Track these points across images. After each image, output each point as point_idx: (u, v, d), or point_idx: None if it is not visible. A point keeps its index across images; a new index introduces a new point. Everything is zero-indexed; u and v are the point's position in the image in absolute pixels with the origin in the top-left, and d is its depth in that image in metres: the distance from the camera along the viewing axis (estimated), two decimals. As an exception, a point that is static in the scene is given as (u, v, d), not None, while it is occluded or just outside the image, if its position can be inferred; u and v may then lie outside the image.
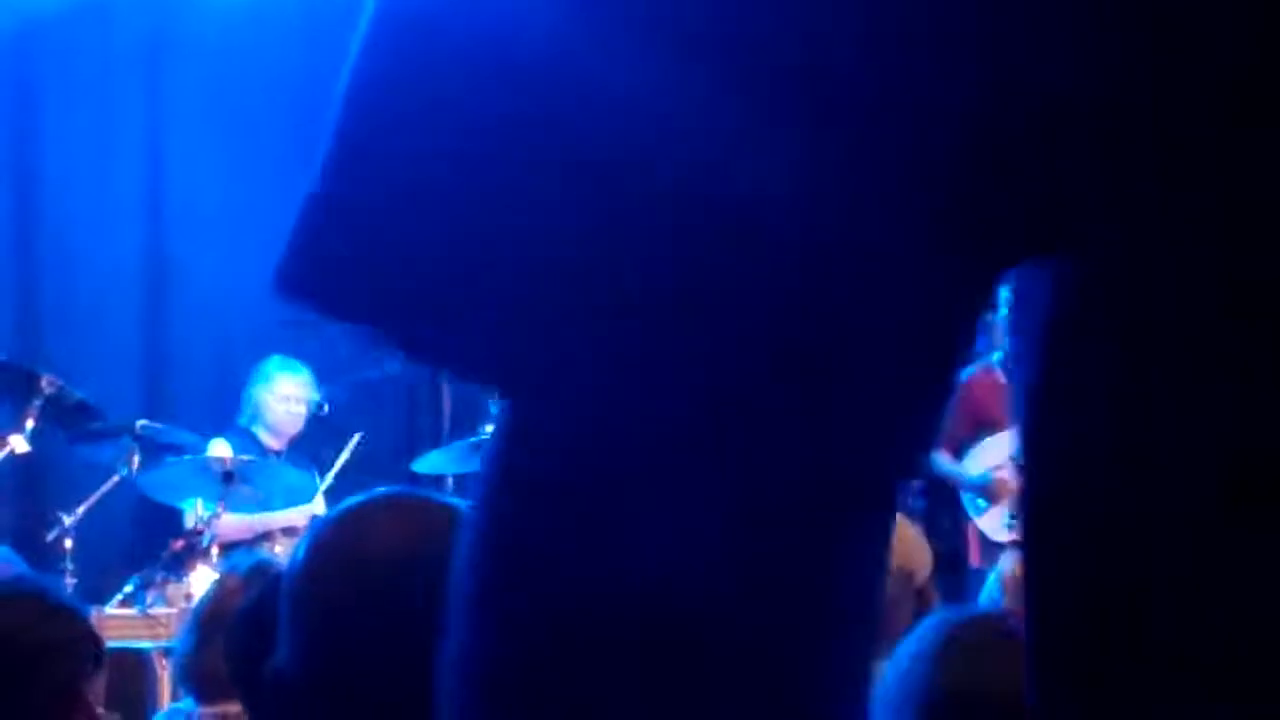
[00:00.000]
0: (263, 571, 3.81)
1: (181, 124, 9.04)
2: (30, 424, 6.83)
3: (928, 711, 2.09)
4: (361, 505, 2.16)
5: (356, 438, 8.07)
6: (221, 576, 4.00)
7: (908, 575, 3.42)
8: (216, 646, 3.75)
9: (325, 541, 2.10)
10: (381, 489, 2.16)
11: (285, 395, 8.20)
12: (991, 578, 5.83)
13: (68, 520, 6.89)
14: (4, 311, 8.61)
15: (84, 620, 2.50)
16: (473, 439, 7.42)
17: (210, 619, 3.83)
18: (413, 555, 2.03)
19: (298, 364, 8.25)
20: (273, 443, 8.20)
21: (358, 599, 2.03)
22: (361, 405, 8.69)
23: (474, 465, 7.46)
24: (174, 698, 4.63)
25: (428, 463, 7.64)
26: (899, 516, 3.54)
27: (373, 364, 8.50)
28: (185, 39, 9.05)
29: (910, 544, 3.47)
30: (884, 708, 2.11)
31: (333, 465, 8.07)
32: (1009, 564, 5.96)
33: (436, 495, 2.20)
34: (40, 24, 8.73)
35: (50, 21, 8.74)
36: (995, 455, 8.33)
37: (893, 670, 2.15)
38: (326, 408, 8.19)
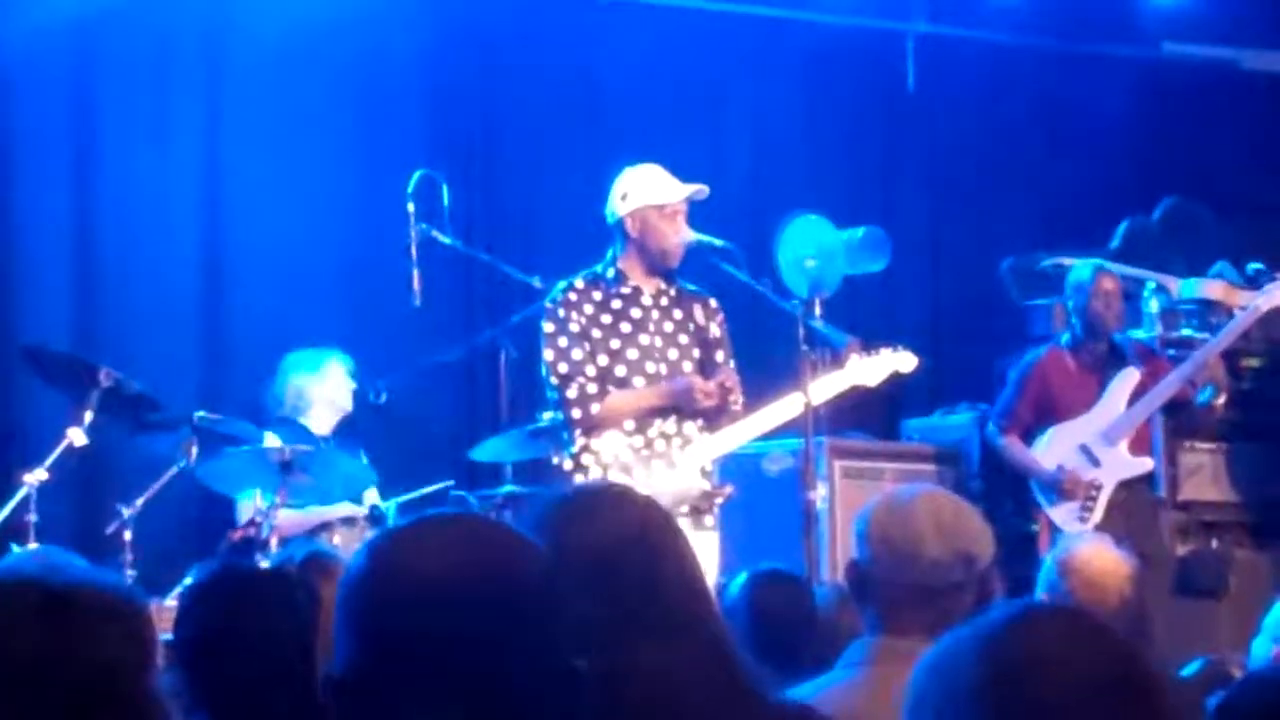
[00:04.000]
0: (320, 564, 3.81)
1: (239, 119, 9.07)
2: (89, 416, 6.85)
3: (974, 696, 2.07)
4: (419, 525, 2.18)
5: (448, 484, 8.04)
6: (277, 567, 3.99)
7: (969, 560, 3.38)
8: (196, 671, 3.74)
9: (385, 555, 2.12)
10: (439, 510, 2.19)
11: (339, 375, 8.23)
12: (1048, 563, 5.77)
13: (126, 512, 6.90)
14: (63, 305, 8.65)
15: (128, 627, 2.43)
16: (530, 426, 7.40)
17: (184, 647, 3.82)
18: (465, 579, 2.06)
19: (329, 347, 8.28)
20: (322, 429, 8.21)
21: (411, 617, 2.05)
22: (421, 393, 8.70)
23: (531, 452, 7.45)
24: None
25: (486, 450, 7.63)
26: (958, 499, 3.50)
27: (431, 353, 8.51)
28: (243, 34, 9.08)
29: (972, 528, 3.42)
30: (936, 690, 2.09)
31: (393, 454, 8.09)
32: (1065, 551, 5.89)
33: (490, 519, 2.23)
34: (100, 19, 8.77)
35: (110, 16, 8.78)
36: (1064, 446, 8.26)
37: (946, 654, 2.12)
38: (384, 396, 8.19)
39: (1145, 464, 8.27)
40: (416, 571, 2.09)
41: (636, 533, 2.76)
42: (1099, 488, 8.14)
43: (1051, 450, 8.29)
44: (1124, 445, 8.24)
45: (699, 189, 6.96)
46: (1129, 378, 8.29)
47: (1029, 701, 2.04)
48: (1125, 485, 8.20)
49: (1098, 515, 8.08)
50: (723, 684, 2.68)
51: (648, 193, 6.93)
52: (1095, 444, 8.21)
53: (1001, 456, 8.46)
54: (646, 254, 6.99)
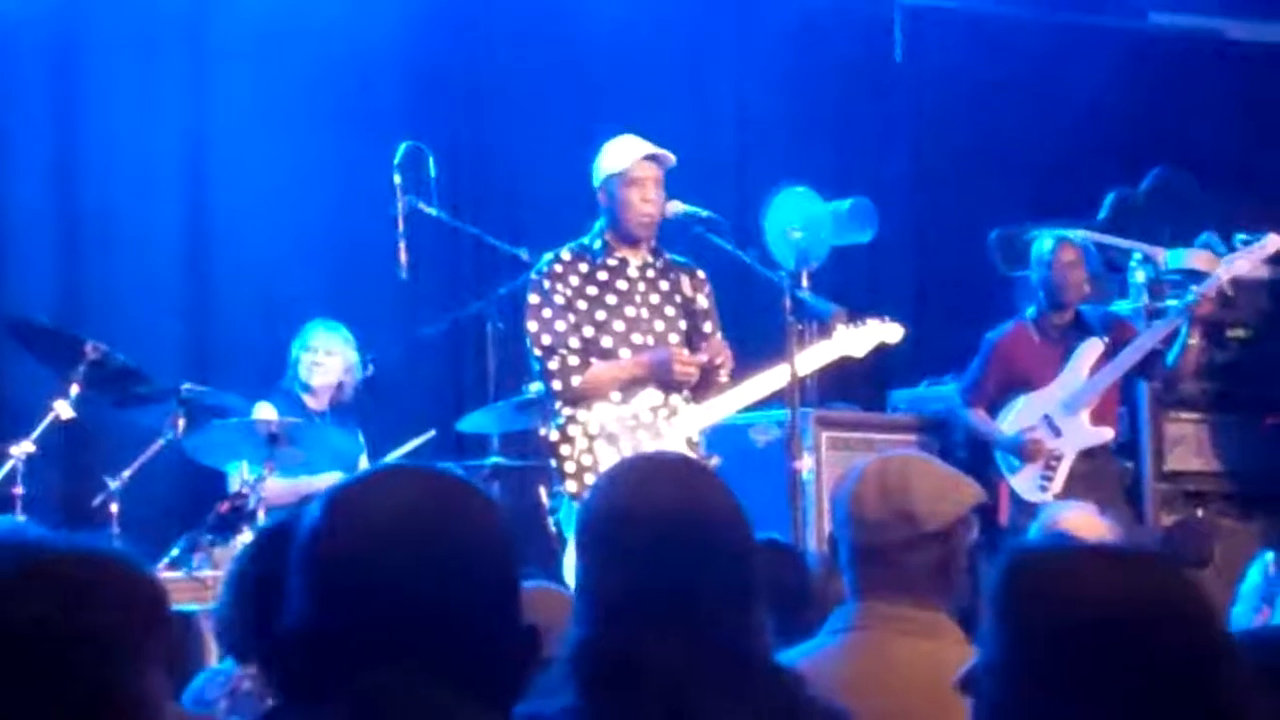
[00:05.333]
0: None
1: (225, 89, 9.06)
2: (75, 390, 6.85)
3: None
4: (374, 475, 2.18)
5: (427, 435, 8.06)
6: (257, 537, 3.99)
7: (910, 518, 3.42)
8: (254, 607, 3.76)
9: (340, 508, 2.11)
10: (396, 459, 2.20)
11: (312, 349, 8.23)
12: (1033, 530, 5.81)
13: (113, 484, 6.90)
14: (49, 279, 8.64)
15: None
16: (517, 398, 7.41)
17: (249, 580, 3.84)
18: (418, 532, 2.07)
19: (332, 322, 8.28)
20: (316, 403, 8.23)
21: (366, 565, 2.06)
22: (407, 365, 8.71)
23: (518, 424, 7.45)
24: (221, 660, 4.63)
25: (472, 422, 7.63)
26: (927, 464, 3.51)
27: (418, 325, 8.52)
28: (230, 3, 9.05)
29: (921, 488, 3.45)
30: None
31: (380, 426, 8.09)
32: (1052, 518, 5.93)
33: (450, 468, 2.22)
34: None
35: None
36: (1028, 415, 8.31)
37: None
38: (371, 368, 8.20)
39: (1105, 434, 8.28)
40: (369, 525, 2.08)
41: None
42: (1059, 457, 8.18)
43: (1015, 420, 8.33)
44: (1085, 415, 8.26)
45: (656, 153, 6.95)
46: (1092, 348, 8.32)
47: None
48: (1089, 455, 8.23)
49: (1058, 485, 8.11)
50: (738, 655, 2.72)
51: (610, 162, 6.96)
52: (1057, 413, 8.25)
53: (966, 428, 8.51)
54: (618, 224, 6.99)
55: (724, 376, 6.97)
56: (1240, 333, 9.22)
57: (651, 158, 6.95)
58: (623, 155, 6.95)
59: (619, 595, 2.69)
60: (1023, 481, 8.21)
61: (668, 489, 2.77)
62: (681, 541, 2.70)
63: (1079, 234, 8.75)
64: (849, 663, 3.32)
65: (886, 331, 7.21)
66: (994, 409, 8.42)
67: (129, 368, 7.06)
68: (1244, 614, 5.56)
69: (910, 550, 3.38)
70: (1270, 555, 5.68)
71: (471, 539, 2.11)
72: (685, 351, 6.89)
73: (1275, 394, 9.03)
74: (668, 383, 6.87)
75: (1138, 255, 9.28)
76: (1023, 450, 8.19)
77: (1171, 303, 8.93)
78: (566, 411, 6.86)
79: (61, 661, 2.02)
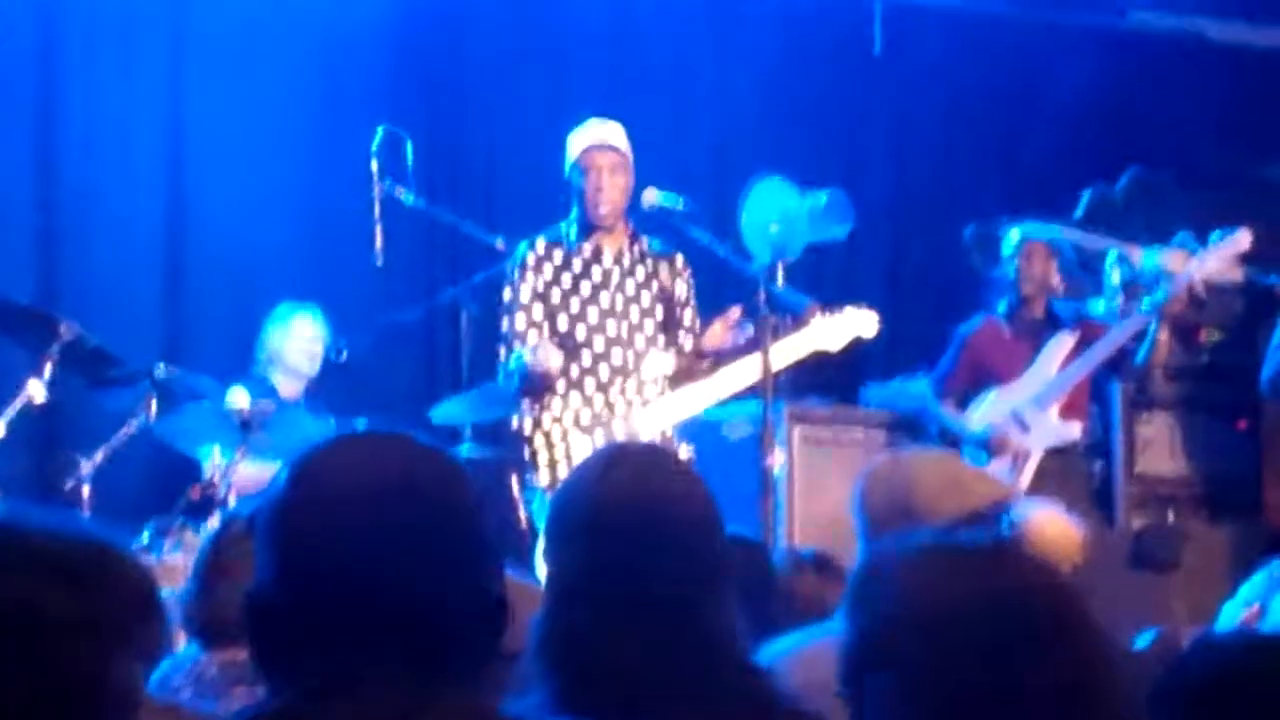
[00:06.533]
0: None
1: (203, 73, 9.05)
2: (48, 370, 6.82)
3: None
4: (340, 442, 2.17)
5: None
6: (224, 522, 3.98)
7: (907, 513, 3.45)
8: (220, 592, 3.75)
9: (307, 475, 2.10)
10: (359, 428, 2.19)
11: (300, 336, 8.21)
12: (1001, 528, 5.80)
13: (85, 467, 6.88)
14: (24, 257, 8.62)
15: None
16: (490, 387, 7.40)
17: (214, 565, 3.84)
18: (384, 501, 2.05)
19: (309, 305, 8.26)
20: (289, 389, 8.21)
21: (331, 535, 2.05)
22: (381, 352, 8.69)
23: (490, 414, 7.44)
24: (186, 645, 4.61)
25: (444, 411, 7.62)
26: (921, 463, 3.53)
27: (393, 312, 8.50)
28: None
29: (922, 484, 3.48)
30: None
31: (352, 413, 8.07)
32: (1020, 516, 5.93)
33: (423, 438, 2.20)
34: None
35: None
36: (997, 410, 8.32)
37: None
38: (345, 354, 8.19)
39: (1074, 430, 8.30)
40: (334, 494, 2.07)
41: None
42: (1026, 453, 8.20)
43: (984, 414, 8.35)
44: (1054, 411, 8.28)
45: (600, 142, 6.97)
46: (1062, 343, 8.35)
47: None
48: (1057, 452, 8.24)
49: (1024, 481, 8.13)
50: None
51: (569, 151, 7.01)
52: (1026, 409, 8.26)
53: (935, 421, 8.53)
54: (582, 212, 7.03)
55: (705, 366, 7.01)
56: (1213, 335, 9.25)
57: (601, 145, 6.96)
58: (575, 144, 7.00)
59: (584, 584, 2.71)
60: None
61: (638, 480, 2.78)
62: (650, 532, 2.71)
63: (1055, 231, 8.76)
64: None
65: (862, 321, 7.20)
66: (965, 402, 8.44)
67: (102, 349, 7.03)
68: (1234, 609, 5.57)
69: None
70: (1277, 561, 5.68)
71: (440, 505, 2.09)
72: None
73: (1247, 397, 9.05)
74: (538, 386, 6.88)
75: (1114, 254, 9.30)
76: (989, 445, 8.21)
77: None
78: (539, 403, 6.87)
79: (52, 648, 2.01)
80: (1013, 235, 8.47)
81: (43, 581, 2.04)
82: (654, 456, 2.94)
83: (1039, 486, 7.94)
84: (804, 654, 3.47)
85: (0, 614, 2.02)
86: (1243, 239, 8.32)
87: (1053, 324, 8.42)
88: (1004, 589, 2.22)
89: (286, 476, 2.12)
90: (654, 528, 2.72)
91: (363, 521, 2.05)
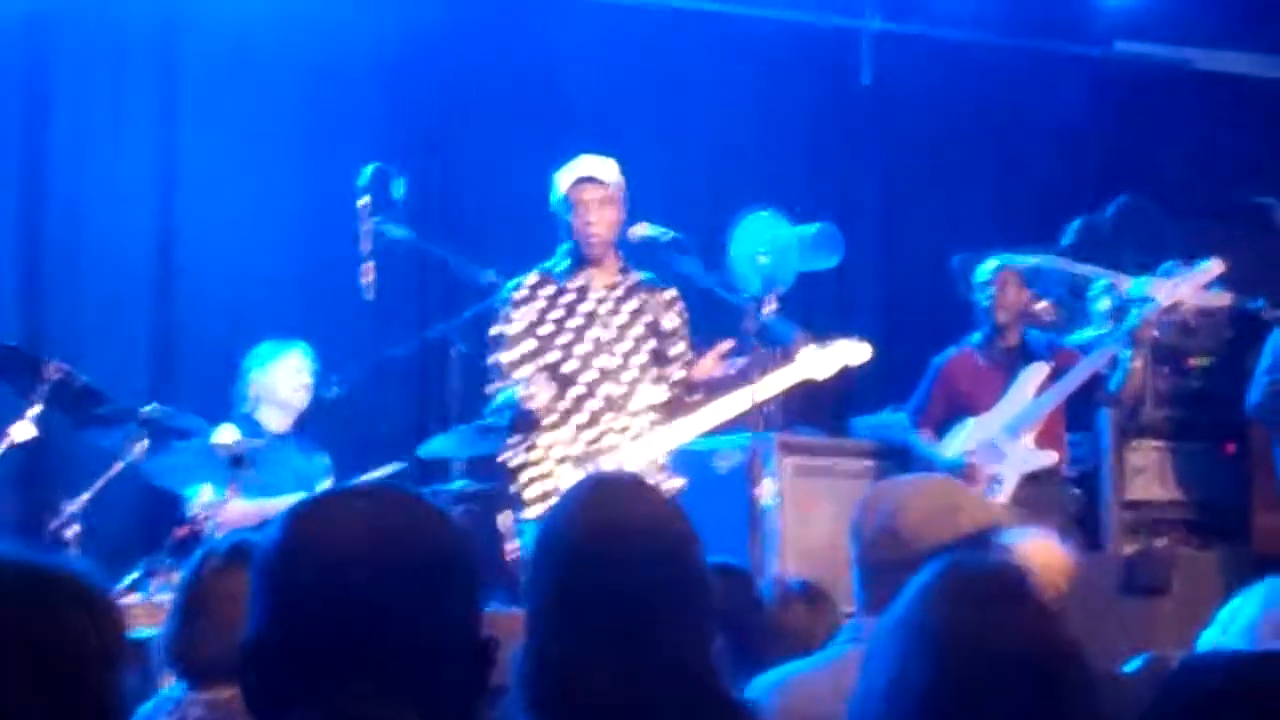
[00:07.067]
0: (244, 554, 3.78)
1: (194, 110, 9.06)
2: (36, 410, 6.79)
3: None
4: (334, 496, 2.20)
5: (395, 466, 8.05)
6: (202, 557, 3.95)
7: (894, 535, 3.45)
8: (200, 627, 3.73)
9: (300, 528, 2.13)
10: (360, 480, 2.20)
11: (291, 369, 8.21)
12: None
13: (72, 507, 6.84)
14: (11, 298, 8.61)
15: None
16: (480, 422, 7.39)
17: (194, 600, 3.81)
18: (377, 553, 2.09)
19: (295, 341, 8.26)
20: (280, 424, 8.20)
21: (323, 586, 2.08)
22: (371, 387, 8.68)
23: (481, 448, 7.42)
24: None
25: (434, 445, 7.60)
26: (914, 487, 3.53)
27: (383, 347, 8.50)
28: (199, 26, 9.06)
29: (905, 508, 3.48)
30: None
31: (342, 448, 8.08)
32: (1010, 542, 5.92)
33: (412, 491, 2.22)
34: (55, 9, 8.75)
35: (65, 7, 8.76)
36: (972, 438, 8.33)
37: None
38: (337, 390, 8.18)
39: (1049, 457, 8.30)
40: (329, 544, 2.11)
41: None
42: (1001, 480, 8.19)
43: (959, 442, 8.35)
44: (1029, 438, 8.28)
45: (590, 175, 6.99)
46: (1037, 371, 8.36)
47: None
48: (1034, 479, 8.24)
49: None
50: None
51: (558, 186, 7.03)
52: (1000, 437, 8.27)
53: (912, 450, 8.53)
54: (572, 246, 7.05)
55: (697, 396, 7.01)
56: (1202, 361, 9.26)
57: (588, 179, 6.98)
58: (565, 179, 7.03)
59: (559, 615, 2.71)
60: None
61: (616, 512, 2.78)
62: (625, 564, 2.71)
63: (1044, 260, 8.77)
64: (848, 677, 3.35)
65: (853, 351, 7.21)
66: (942, 432, 8.45)
67: (90, 388, 7.00)
68: (1214, 634, 5.55)
69: (903, 570, 3.39)
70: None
71: (430, 559, 2.13)
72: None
73: (1236, 421, 9.05)
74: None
75: (1102, 282, 9.31)
76: (962, 473, 8.20)
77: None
78: (530, 436, 6.87)
79: (81, 678, 2.04)
80: (987, 264, 8.50)
81: (69, 613, 2.08)
82: (634, 488, 2.93)
83: (1015, 514, 7.94)
84: (791, 685, 3.46)
85: (37, 646, 2.06)
86: (1213, 268, 8.33)
87: (1027, 353, 8.45)
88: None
89: (281, 526, 2.14)
90: (629, 560, 2.72)
91: (355, 570, 2.09)
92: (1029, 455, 8.27)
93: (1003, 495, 8.17)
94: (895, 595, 3.37)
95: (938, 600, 2.27)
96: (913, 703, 2.24)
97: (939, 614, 2.25)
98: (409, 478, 8.08)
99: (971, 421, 8.37)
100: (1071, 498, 8.63)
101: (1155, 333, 8.26)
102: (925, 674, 2.20)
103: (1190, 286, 8.40)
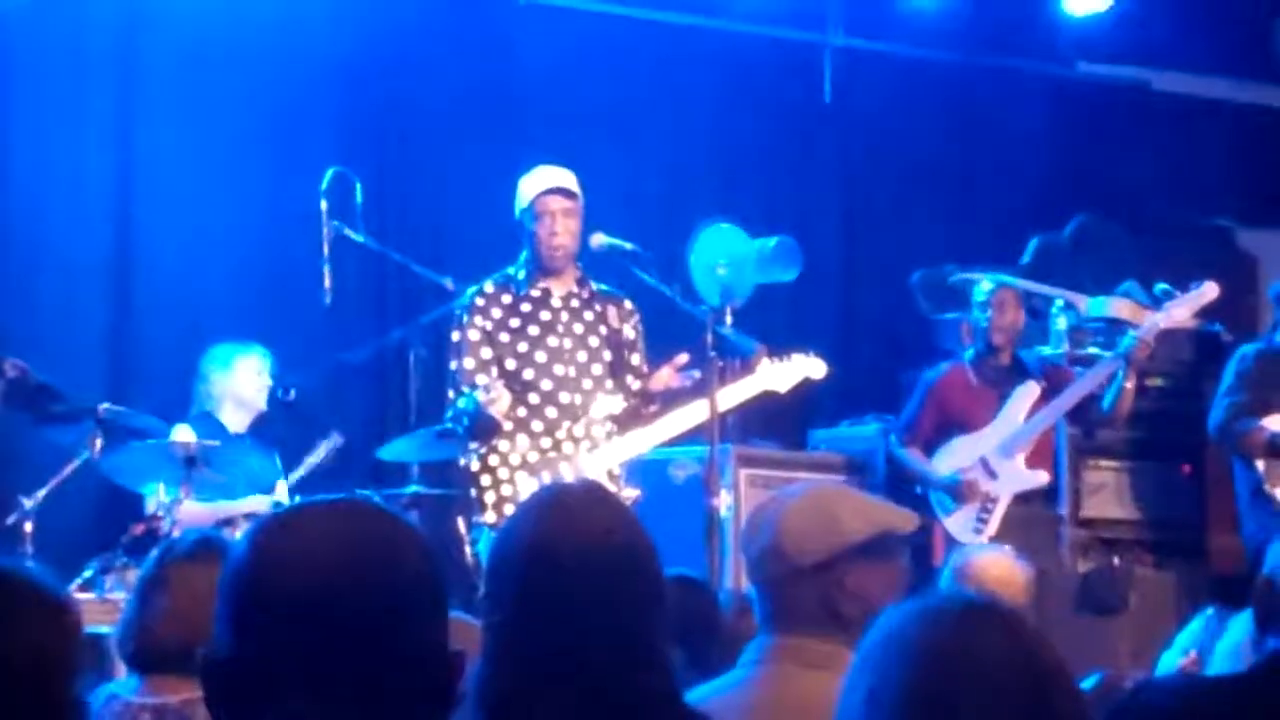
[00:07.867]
0: (209, 547, 3.79)
1: (152, 113, 9.02)
2: (-7, 407, 6.79)
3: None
4: (299, 510, 2.19)
5: (333, 439, 8.05)
6: (166, 547, 3.94)
7: (780, 555, 3.45)
8: (154, 613, 3.73)
9: (265, 543, 2.13)
10: (326, 496, 2.19)
11: (250, 369, 8.20)
12: (946, 570, 5.83)
13: (28, 504, 6.83)
14: (-32, 295, 8.57)
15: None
16: (438, 427, 7.39)
17: (151, 585, 3.80)
18: (343, 568, 2.08)
19: (250, 343, 8.26)
20: (238, 423, 8.19)
21: (288, 601, 2.06)
22: (330, 391, 8.67)
23: (438, 453, 7.42)
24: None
25: (393, 450, 7.60)
26: (810, 498, 3.52)
27: (341, 351, 8.48)
28: (157, 29, 9.02)
29: (790, 526, 3.46)
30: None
31: (302, 459, 8.06)
32: (963, 559, 5.95)
33: (379, 504, 2.22)
34: (12, 13, 8.69)
35: (22, 11, 8.71)
36: (964, 456, 8.33)
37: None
38: (293, 393, 8.16)
39: (1041, 478, 8.31)
40: (294, 560, 2.09)
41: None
42: (994, 500, 8.20)
43: (950, 460, 8.35)
44: (1021, 458, 8.29)
45: (557, 186, 7.00)
46: (1029, 391, 8.35)
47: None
48: (1023, 499, 8.26)
49: (992, 528, 8.13)
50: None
51: (521, 195, 7.05)
52: (993, 456, 8.26)
53: (901, 468, 8.53)
54: (534, 255, 7.06)
55: (653, 408, 7.02)
56: (1159, 381, 9.30)
57: (556, 189, 6.99)
58: (529, 189, 7.04)
59: (518, 627, 2.71)
60: (957, 523, 8.21)
61: (571, 523, 2.78)
62: (585, 574, 2.71)
63: (1001, 278, 8.79)
64: (754, 696, 3.34)
65: (810, 366, 7.23)
66: (930, 449, 8.44)
67: (47, 386, 6.99)
68: (1172, 657, 5.60)
69: (790, 585, 3.39)
70: (1211, 610, 5.71)
71: (398, 575, 2.12)
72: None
73: (1193, 442, 9.09)
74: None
75: (1060, 302, 9.35)
76: (957, 491, 8.21)
77: (1093, 350, 8.99)
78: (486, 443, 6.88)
79: (56, 688, 2.03)
80: (984, 284, 8.46)
81: (29, 623, 2.07)
82: (590, 499, 2.92)
83: (1006, 533, 7.97)
84: (738, 695, 3.45)
85: (14, 659, 2.04)
86: (1209, 291, 8.34)
87: (1019, 372, 8.42)
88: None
89: (245, 539, 2.14)
90: (585, 570, 2.72)
91: (322, 586, 2.07)
92: (1022, 475, 8.27)
93: (996, 514, 8.19)
94: (790, 611, 3.39)
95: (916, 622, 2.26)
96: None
97: (917, 632, 2.23)
98: (360, 474, 8.08)
99: (959, 440, 8.36)
100: (1057, 517, 8.65)
101: (1148, 353, 8.27)
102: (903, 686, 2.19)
103: (1187, 309, 8.42)
